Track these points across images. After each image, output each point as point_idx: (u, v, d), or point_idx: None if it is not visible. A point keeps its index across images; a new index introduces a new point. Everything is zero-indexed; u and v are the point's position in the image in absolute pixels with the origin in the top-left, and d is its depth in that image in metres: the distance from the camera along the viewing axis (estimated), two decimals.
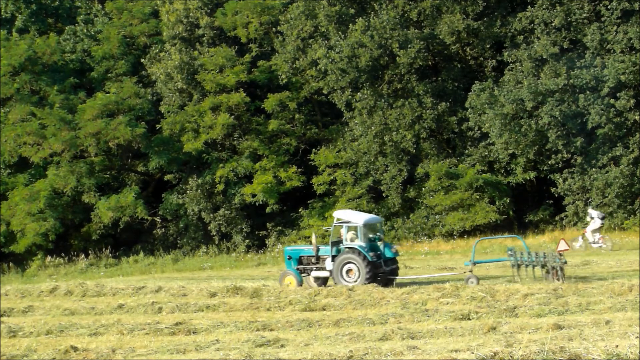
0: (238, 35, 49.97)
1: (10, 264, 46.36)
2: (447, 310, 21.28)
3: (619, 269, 30.04)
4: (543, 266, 26.60)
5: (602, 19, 44.34)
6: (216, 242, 48.01)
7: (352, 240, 27.93)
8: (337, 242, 28.42)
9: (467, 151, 46.90)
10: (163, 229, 49.44)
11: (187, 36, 50.68)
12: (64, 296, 28.58)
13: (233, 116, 48.55)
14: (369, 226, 28.35)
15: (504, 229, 45.26)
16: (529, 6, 45.69)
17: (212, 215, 48.11)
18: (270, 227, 48.72)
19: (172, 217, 49.16)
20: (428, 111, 46.00)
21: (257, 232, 48.83)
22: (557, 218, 45.93)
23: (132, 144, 47.84)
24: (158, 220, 49.41)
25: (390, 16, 46.17)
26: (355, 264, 27.37)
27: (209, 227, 48.37)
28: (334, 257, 28.05)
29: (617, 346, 13.99)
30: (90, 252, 46.28)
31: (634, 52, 43.53)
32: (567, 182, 44.74)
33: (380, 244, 28.31)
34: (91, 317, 23.44)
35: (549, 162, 45.07)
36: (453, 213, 45.42)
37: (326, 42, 47.36)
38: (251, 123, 49.54)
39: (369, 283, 26.68)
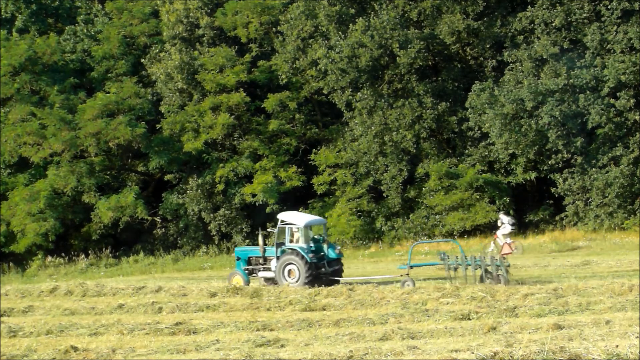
0: (238, 35, 49.98)
1: (11, 264, 46.36)
2: (447, 310, 21.28)
3: (619, 269, 30.05)
4: (486, 270, 26.82)
5: (602, 19, 44.34)
6: (216, 242, 48.01)
7: (296, 241, 28.76)
8: (282, 244, 29.18)
9: (467, 151, 46.89)
10: (163, 229, 49.44)
11: (187, 36, 50.68)
12: (64, 296, 28.59)
13: (233, 116, 48.55)
14: (310, 228, 29.24)
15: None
16: (529, 6, 45.70)
17: (212, 215, 48.11)
18: (270, 227, 48.65)
19: (172, 217, 49.16)
20: (428, 111, 45.99)
21: (257, 232, 48.77)
22: (557, 218, 45.94)
23: (132, 144, 47.83)
24: (158, 220, 49.41)
25: (391, 16, 46.17)
26: (295, 265, 28.18)
27: (209, 227, 48.37)
28: (278, 258, 28.90)
29: (617, 346, 13.99)
30: (90, 252, 46.28)
31: (634, 52, 43.53)
32: (567, 182, 44.74)
33: (324, 246, 29.06)
34: (91, 317, 23.44)
35: (549, 162, 45.06)
36: (453, 213, 45.42)
37: (326, 42, 47.37)
38: (251, 123, 49.55)
39: (309, 283, 27.51)
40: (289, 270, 28.42)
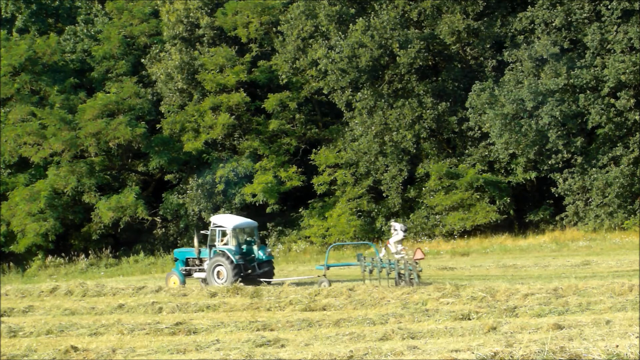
0: (238, 35, 49.98)
1: (11, 264, 46.37)
2: (448, 310, 21.28)
3: (619, 269, 30.04)
4: (399, 274, 27.41)
5: (603, 19, 44.35)
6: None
7: (226, 243, 29.86)
8: (215, 245, 30.28)
9: (467, 151, 46.89)
10: (163, 229, 49.44)
11: (188, 36, 50.68)
12: (64, 296, 28.59)
13: (233, 116, 48.56)
14: (240, 230, 30.35)
15: (504, 229, 45.31)
16: (530, 6, 45.71)
17: (212, 215, 48.08)
18: (270, 227, 48.71)
19: (172, 217, 49.16)
20: (428, 111, 46.00)
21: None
22: (557, 218, 45.95)
23: (132, 144, 47.85)
24: (158, 220, 49.41)
25: (391, 16, 46.18)
26: (223, 266, 29.25)
27: (209, 227, 48.30)
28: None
29: (617, 346, 13.99)
30: (90, 252, 46.28)
31: (634, 52, 43.53)
32: (567, 182, 44.75)
33: (255, 248, 30.22)
34: (91, 317, 23.44)
35: (549, 162, 45.06)
36: (453, 213, 45.43)
37: (326, 42, 47.37)
38: (251, 123, 49.55)
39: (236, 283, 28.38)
40: (218, 272, 29.50)
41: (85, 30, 53.17)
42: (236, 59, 49.17)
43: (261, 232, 48.60)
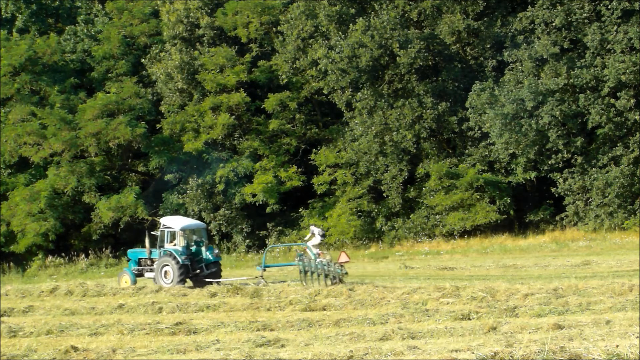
0: (238, 35, 49.98)
1: (11, 264, 46.36)
2: (448, 310, 21.27)
3: (619, 269, 30.04)
4: (326, 275, 28.21)
5: (603, 18, 44.35)
6: (216, 242, 47.99)
7: (174, 244, 30.63)
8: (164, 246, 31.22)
9: (467, 151, 46.89)
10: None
11: (188, 36, 50.68)
12: (65, 296, 28.60)
13: (233, 116, 48.56)
14: (187, 231, 30.99)
15: (504, 229, 45.29)
16: (530, 6, 45.70)
17: (212, 215, 48.12)
18: (270, 227, 48.71)
19: None
20: (428, 111, 45.99)
21: (257, 232, 48.84)
22: (557, 218, 45.94)
23: (132, 144, 47.85)
24: (158, 220, 49.36)
25: (391, 16, 46.18)
26: (170, 266, 30.00)
27: (209, 227, 48.35)
28: None
29: (617, 346, 13.99)
30: (90, 252, 46.26)
31: (634, 52, 43.54)
32: (567, 182, 44.76)
33: (203, 249, 30.93)
34: (91, 317, 23.44)
35: (549, 162, 45.07)
36: (453, 213, 45.41)
37: (326, 42, 47.38)
38: (251, 123, 49.56)
39: (181, 283, 29.44)
40: (165, 271, 30.29)
41: (85, 30, 53.17)
42: (236, 59, 49.18)
43: (261, 232, 48.69)
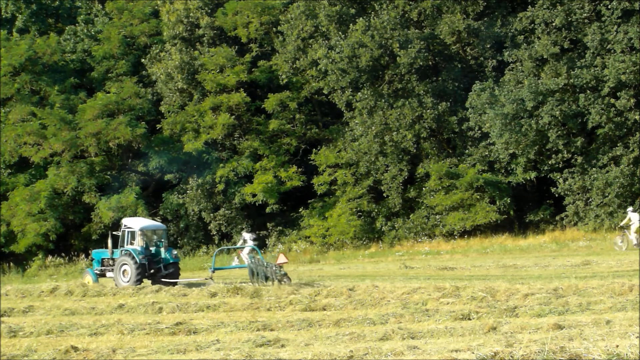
0: (238, 35, 50.00)
1: (11, 264, 46.36)
2: (448, 310, 21.26)
3: (619, 268, 30.03)
4: (266, 276, 28.76)
5: (603, 18, 44.36)
6: (216, 242, 48.02)
7: (133, 244, 31.33)
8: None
9: (467, 151, 46.90)
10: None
11: (188, 36, 50.70)
12: (65, 296, 28.59)
13: (233, 116, 48.57)
14: (147, 232, 31.67)
15: (504, 229, 45.31)
16: (530, 6, 45.72)
17: (212, 215, 48.14)
18: (270, 227, 48.73)
19: (172, 217, 49.18)
20: (428, 111, 46.01)
21: (257, 232, 48.82)
22: (557, 218, 45.96)
23: (132, 144, 47.87)
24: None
25: (391, 16, 46.20)
26: (128, 266, 30.65)
27: (209, 227, 48.39)
28: None
29: (617, 346, 13.98)
30: (90, 252, 46.24)
31: (634, 52, 43.55)
32: (567, 182, 44.77)
33: (162, 250, 31.53)
34: (91, 317, 23.43)
35: (549, 162, 45.09)
36: (453, 213, 45.42)
37: (326, 42, 47.39)
38: (251, 123, 49.57)
39: (138, 283, 30.17)
40: (124, 270, 30.94)
41: (85, 30, 53.18)
42: (236, 59, 49.19)
43: (261, 232, 48.69)
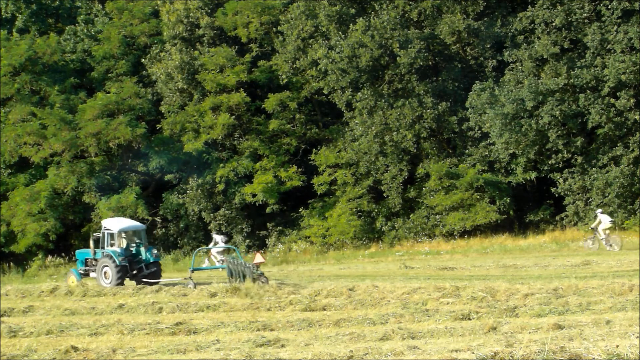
0: (238, 35, 49.99)
1: (11, 264, 46.37)
2: (448, 310, 21.26)
3: (619, 268, 30.04)
4: (244, 276, 28.79)
5: (603, 18, 44.37)
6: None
7: (113, 246, 31.70)
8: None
9: (467, 151, 46.90)
10: (163, 229, 49.45)
11: (188, 36, 50.69)
12: (65, 296, 28.61)
13: (233, 116, 48.56)
14: (126, 233, 32.05)
15: (504, 229, 45.31)
16: (530, 6, 45.73)
17: (212, 215, 48.13)
18: (270, 227, 48.73)
19: (172, 217, 49.18)
20: (428, 111, 46.01)
21: (257, 232, 48.84)
22: (557, 218, 45.96)
23: (132, 144, 47.86)
24: (158, 220, 49.41)
25: (391, 16, 46.20)
26: (108, 267, 30.97)
27: (209, 227, 48.37)
28: None
29: (617, 346, 13.99)
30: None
31: (634, 52, 43.56)
32: (567, 182, 44.78)
33: (142, 250, 31.90)
34: (91, 317, 23.44)
35: (549, 162, 45.10)
36: (453, 213, 45.42)
37: (326, 42, 47.39)
38: (251, 123, 49.56)
39: (120, 283, 30.51)
40: (105, 272, 31.29)
41: (85, 30, 53.17)
42: (236, 59, 49.18)
43: (261, 232, 48.70)
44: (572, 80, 44.16)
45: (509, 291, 23.38)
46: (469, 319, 20.20)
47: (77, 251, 34.61)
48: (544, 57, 44.51)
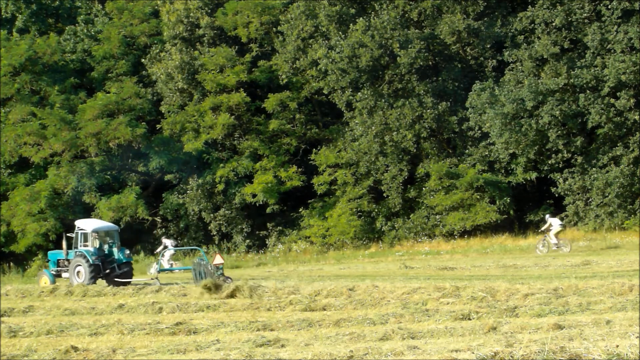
0: (238, 35, 49.99)
1: (11, 264, 46.37)
2: (448, 310, 21.25)
3: (619, 268, 30.03)
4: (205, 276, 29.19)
5: (603, 18, 44.37)
6: (216, 242, 48.02)
7: (86, 245, 32.15)
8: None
9: (467, 151, 46.91)
10: (163, 229, 49.45)
11: (188, 36, 50.69)
12: (65, 296, 28.60)
13: (233, 116, 48.57)
14: (100, 233, 32.54)
15: (504, 229, 45.32)
16: (530, 6, 45.74)
17: (212, 215, 48.14)
18: (270, 227, 48.73)
19: (172, 217, 49.19)
20: (428, 111, 46.01)
21: (257, 232, 48.84)
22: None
23: (132, 144, 47.85)
24: (158, 220, 49.42)
25: (391, 16, 46.20)
26: (82, 266, 31.44)
27: (209, 227, 48.39)
28: None
29: (617, 346, 13.97)
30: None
31: (634, 52, 43.56)
32: (567, 182, 44.78)
33: (115, 250, 32.37)
34: (91, 317, 23.42)
35: (549, 162, 45.10)
36: (453, 213, 45.43)
37: (326, 42, 47.40)
38: (251, 123, 49.57)
39: (92, 282, 30.86)
40: (78, 271, 31.73)
41: (85, 30, 53.18)
42: (236, 59, 49.19)
43: (261, 232, 48.70)
44: (572, 80, 44.16)
45: (509, 291, 23.37)
46: (469, 319, 20.19)
47: (49, 252, 35.19)
48: (544, 57, 44.52)
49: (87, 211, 47.63)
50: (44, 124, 47.37)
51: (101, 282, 31.71)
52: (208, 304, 24.56)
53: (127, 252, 32.93)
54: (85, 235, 32.35)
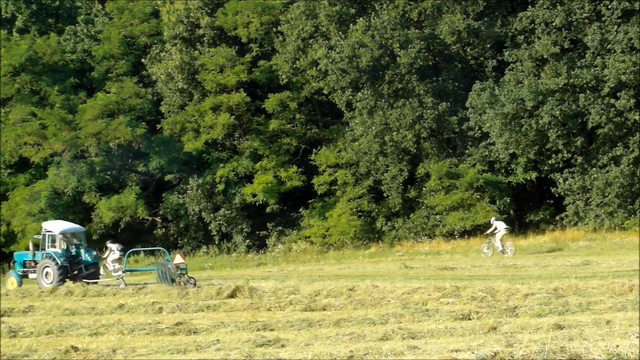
0: (239, 35, 50.00)
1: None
2: (448, 310, 21.26)
3: (619, 269, 30.03)
4: (172, 279, 29.22)
5: (603, 18, 44.38)
6: (216, 242, 48.02)
7: (54, 247, 32.35)
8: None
9: (467, 151, 46.91)
10: (163, 229, 49.46)
11: (188, 36, 50.70)
12: (65, 296, 28.61)
13: (233, 116, 48.57)
14: (67, 235, 32.73)
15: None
16: (530, 6, 45.75)
17: (212, 215, 48.13)
18: (270, 227, 48.72)
19: (172, 217, 49.19)
20: (428, 111, 46.02)
21: (257, 232, 48.84)
22: (557, 218, 45.98)
23: (132, 144, 47.85)
24: (158, 220, 49.42)
25: (391, 16, 46.21)
26: (50, 268, 31.67)
27: (209, 227, 48.38)
28: None
29: (617, 346, 13.98)
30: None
31: (634, 52, 43.57)
32: (567, 182, 44.78)
33: (82, 251, 32.69)
34: (91, 317, 23.43)
35: (549, 162, 45.11)
36: (453, 213, 45.43)
37: (327, 42, 47.40)
38: (251, 123, 49.57)
39: (61, 284, 30.93)
40: (46, 272, 31.88)
41: (85, 30, 53.18)
42: (236, 59, 49.19)
43: (261, 232, 48.69)
44: (572, 80, 44.16)
45: (509, 291, 23.38)
46: (469, 319, 20.19)
47: (15, 253, 35.29)
48: (544, 57, 44.52)
49: (87, 211, 47.66)
50: (44, 124, 47.38)
51: (69, 283, 31.83)
52: (208, 304, 24.57)
53: (94, 253, 33.39)
54: (52, 237, 32.57)
